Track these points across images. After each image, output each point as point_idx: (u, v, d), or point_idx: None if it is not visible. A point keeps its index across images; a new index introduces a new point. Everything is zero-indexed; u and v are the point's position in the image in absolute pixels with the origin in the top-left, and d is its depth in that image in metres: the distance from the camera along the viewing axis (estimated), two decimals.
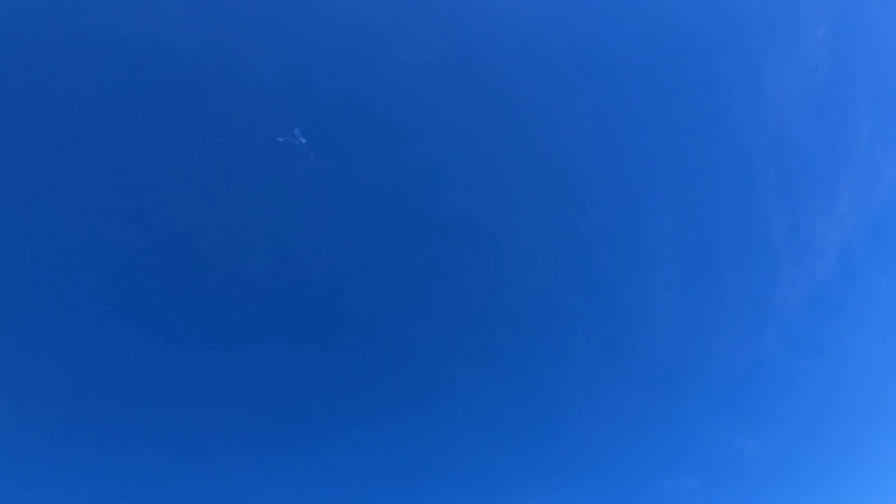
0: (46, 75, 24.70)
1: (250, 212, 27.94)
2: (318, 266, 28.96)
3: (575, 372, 31.49)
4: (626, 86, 29.66)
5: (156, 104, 25.99)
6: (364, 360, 29.32)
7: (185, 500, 27.01)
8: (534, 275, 31.09)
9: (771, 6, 29.97)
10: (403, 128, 28.70)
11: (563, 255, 31.09)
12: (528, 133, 29.74)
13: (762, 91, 30.39)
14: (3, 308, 24.96)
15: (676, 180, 30.90)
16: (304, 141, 27.72)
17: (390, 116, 28.45)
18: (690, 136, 30.54)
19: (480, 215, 30.27)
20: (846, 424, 33.27)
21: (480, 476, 30.41)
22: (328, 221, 28.94)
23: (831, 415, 33.09)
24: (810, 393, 32.79)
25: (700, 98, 30.32)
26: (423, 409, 30.05)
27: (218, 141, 26.99)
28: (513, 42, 28.61)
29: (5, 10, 24.12)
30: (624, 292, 31.55)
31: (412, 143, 28.93)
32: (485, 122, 29.24)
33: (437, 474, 29.97)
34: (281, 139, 27.73)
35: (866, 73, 30.34)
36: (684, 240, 31.53)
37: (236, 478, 27.69)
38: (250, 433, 28.21)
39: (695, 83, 30.14)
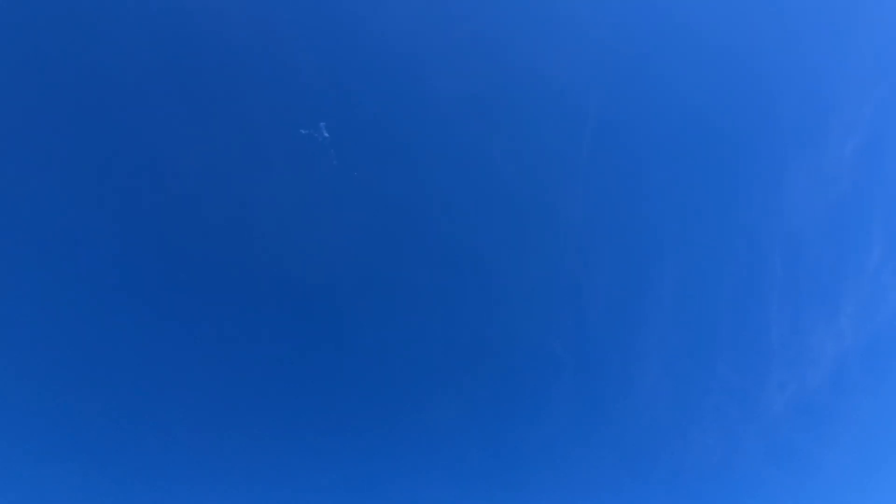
0: (71, 59, 24.36)
1: (251, 197, 27.29)
2: (308, 267, 28.12)
3: (550, 426, 30.73)
4: (651, 167, 30.09)
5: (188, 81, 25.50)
6: (338, 379, 28.51)
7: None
8: (530, 319, 30.68)
9: (804, 114, 30.74)
10: (428, 151, 28.57)
11: (562, 309, 30.75)
12: (551, 187, 29.85)
13: (781, 193, 30.78)
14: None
15: (684, 263, 30.98)
16: (327, 135, 27.19)
17: (419, 137, 28.31)
18: (704, 224, 30.89)
19: (487, 251, 29.93)
20: None
21: None
22: (328, 222, 28.29)
23: None
24: (778, 500, 32.14)
25: (719, 190, 30.74)
26: (389, 436, 29.07)
27: (238, 123, 26.56)
28: (558, 98, 28.96)
29: None
30: (614, 359, 31.06)
31: (433, 168, 28.78)
32: (510, 167, 29.29)
33: None
34: (304, 131, 27.19)
35: (886, 196, 30.94)
36: (682, 320, 31.26)
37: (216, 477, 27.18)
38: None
39: (717, 175, 30.61)
